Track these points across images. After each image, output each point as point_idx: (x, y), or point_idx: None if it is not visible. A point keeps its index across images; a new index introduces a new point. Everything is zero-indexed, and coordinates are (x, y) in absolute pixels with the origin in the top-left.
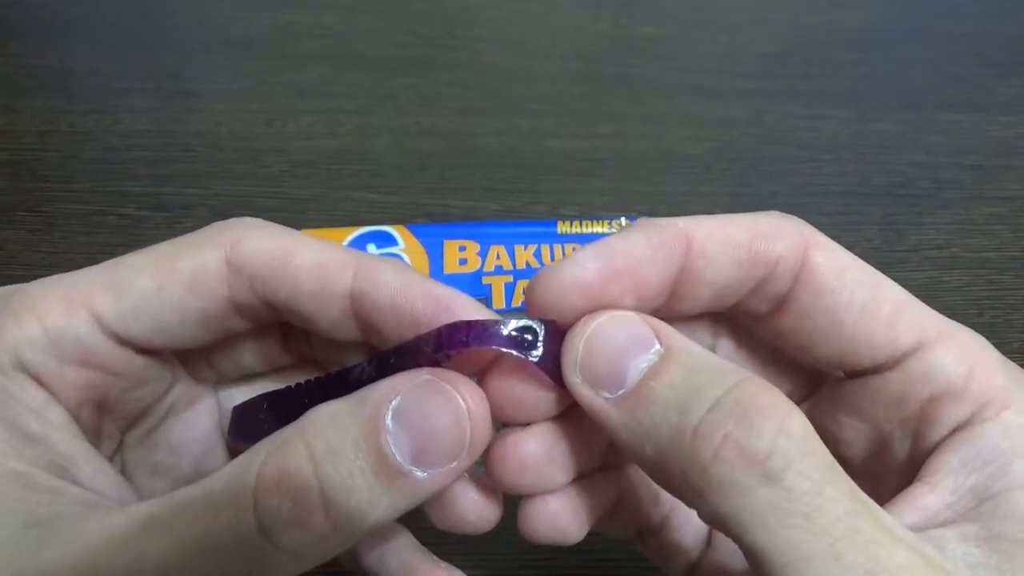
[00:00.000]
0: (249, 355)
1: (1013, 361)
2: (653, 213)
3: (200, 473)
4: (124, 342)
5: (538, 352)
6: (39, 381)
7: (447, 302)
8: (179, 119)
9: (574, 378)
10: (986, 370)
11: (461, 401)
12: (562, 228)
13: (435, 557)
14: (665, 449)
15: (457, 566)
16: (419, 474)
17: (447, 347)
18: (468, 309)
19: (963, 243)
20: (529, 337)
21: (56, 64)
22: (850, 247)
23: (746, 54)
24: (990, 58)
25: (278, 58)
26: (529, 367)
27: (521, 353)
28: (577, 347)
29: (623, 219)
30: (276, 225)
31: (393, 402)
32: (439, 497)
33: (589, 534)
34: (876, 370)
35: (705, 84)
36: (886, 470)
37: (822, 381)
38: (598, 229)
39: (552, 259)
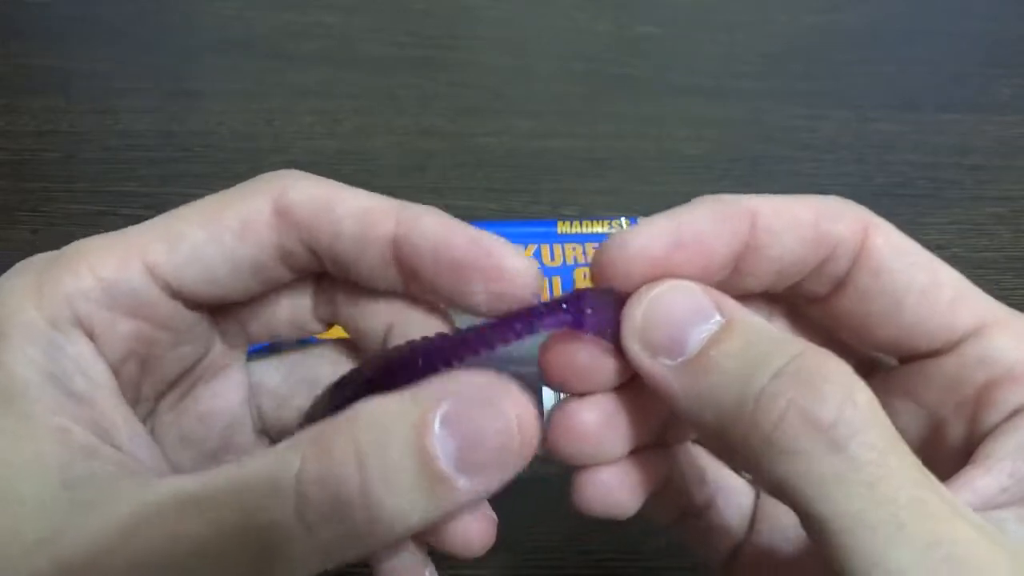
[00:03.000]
0: (281, 321)
1: None
2: (653, 213)
3: (227, 445)
4: (176, 294)
5: (591, 323)
6: (90, 333)
7: (488, 247)
8: (179, 119)
9: (634, 345)
10: None
11: (512, 412)
12: (562, 228)
13: (431, 571)
14: (726, 416)
15: (462, 566)
16: (461, 481)
17: (501, 341)
18: (511, 255)
19: (964, 243)
20: (578, 311)
21: (56, 64)
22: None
23: (746, 54)
24: (990, 58)
25: (278, 58)
26: (589, 335)
27: (574, 328)
28: (637, 315)
29: (623, 219)
30: (320, 177)
31: (444, 405)
32: None
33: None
34: (932, 354)
35: (705, 84)
36: (940, 456)
37: (874, 369)
38: (598, 229)
39: (552, 259)
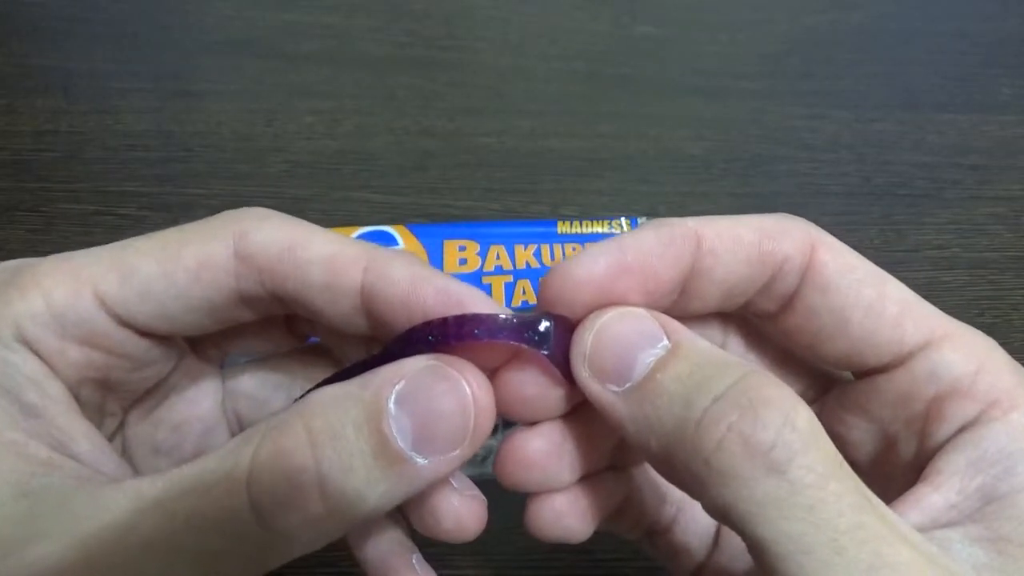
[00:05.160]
0: (255, 339)
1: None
2: (653, 213)
3: (202, 452)
4: (127, 324)
5: (547, 346)
6: (40, 356)
7: (459, 298)
8: (179, 119)
9: (582, 372)
10: (994, 370)
11: (466, 387)
12: (562, 228)
13: (418, 558)
14: (670, 441)
15: (458, 566)
16: (420, 460)
17: (454, 338)
18: (481, 304)
19: (963, 243)
20: (540, 331)
21: (56, 64)
22: (850, 247)
23: (746, 54)
24: (990, 58)
25: (278, 58)
26: (538, 361)
27: (530, 347)
28: (586, 341)
29: (623, 219)
30: (285, 215)
31: (397, 386)
32: (420, 500)
33: (591, 535)
34: (883, 369)
35: (705, 84)
36: (893, 471)
37: (831, 384)
38: (598, 229)
39: (552, 259)
